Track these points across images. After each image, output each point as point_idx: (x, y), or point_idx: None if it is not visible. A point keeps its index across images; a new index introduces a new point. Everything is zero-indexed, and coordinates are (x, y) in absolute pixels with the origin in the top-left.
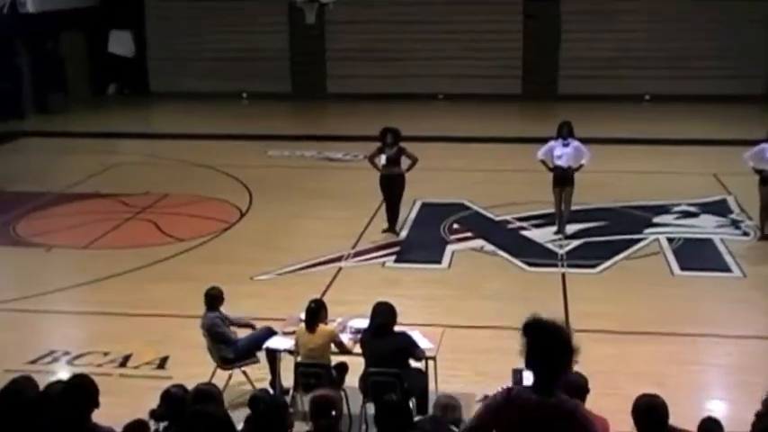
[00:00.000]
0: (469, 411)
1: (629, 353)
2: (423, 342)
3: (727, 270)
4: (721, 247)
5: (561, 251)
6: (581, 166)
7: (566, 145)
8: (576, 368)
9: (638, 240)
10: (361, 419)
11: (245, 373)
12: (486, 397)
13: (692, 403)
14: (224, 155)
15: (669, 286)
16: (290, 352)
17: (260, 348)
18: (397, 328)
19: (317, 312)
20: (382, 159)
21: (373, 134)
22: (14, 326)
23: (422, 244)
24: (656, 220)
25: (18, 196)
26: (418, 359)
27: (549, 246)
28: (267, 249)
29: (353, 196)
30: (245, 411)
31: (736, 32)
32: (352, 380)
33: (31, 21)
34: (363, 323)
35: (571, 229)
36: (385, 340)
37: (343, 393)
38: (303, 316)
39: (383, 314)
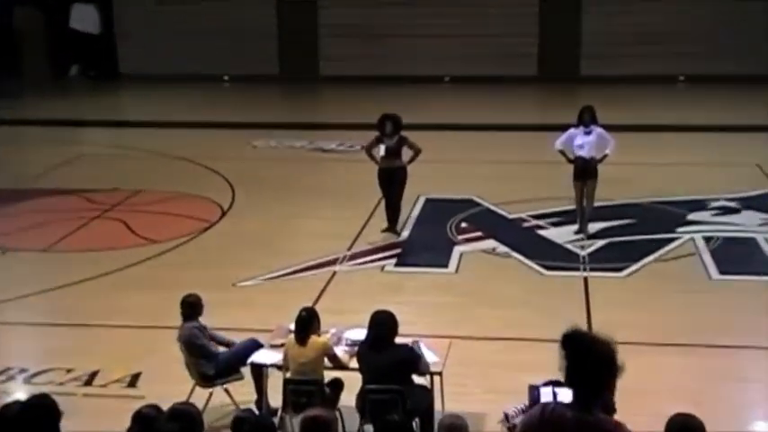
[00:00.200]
0: None
1: (660, 367)
2: (427, 355)
3: None
4: (766, 248)
5: (583, 253)
6: (605, 156)
7: (588, 133)
8: None
9: (671, 240)
10: None
11: (227, 391)
12: (506, 417)
13: (731, 424)
14: (203, 146)
15: (706, 292)
16: (278, 367)
17: (244, 363)
18: (398, 340)
19: (308, 322)
20: (381, 150)
21: (371, 122)
22: None
23: (426, 245)
24: (691, 217)
25: None
26: (422, 374)
27: (570, 247)
28: (252, 252)
29: (349, 192)
30: None
31: None
32: (348, 398)
33: None
34: (361, 334)
35: (594, 227)
36: (385, 353)
37: (338, 413)
38: (293, 326)
39: (383, 324)
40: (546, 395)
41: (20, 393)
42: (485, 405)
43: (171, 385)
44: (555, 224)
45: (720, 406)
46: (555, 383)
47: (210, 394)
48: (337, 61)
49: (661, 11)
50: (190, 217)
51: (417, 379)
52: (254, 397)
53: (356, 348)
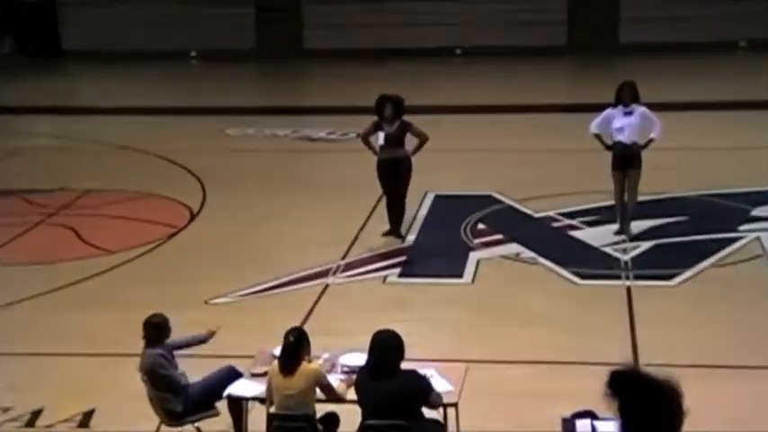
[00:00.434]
0: None
1: (717, 393)
2: (439, 383)
3: None
4: None
5: (625, 257)
6: (650, 141)
7: (628, 113)
8: None
9: (731, 241)
10: None
11: (198, 429)
12: None
13: None
14: (167, 136)
15: None
16: (260, 400)
17: (220, 396)
18: (404, 366)
19: (297, 347)
20: (380, 139)
21: (368, 105)
22: None
23: (436, 251)
24: (756, 212)
25: None
26: (434, 406)
27: (609, 250)
28: (227, 262)
29: (342, 189)
30: None
31: None
32: None
33: None
34: (359, 359)
35: (637, 227)
36: (388, 382)
37: None
38: (277, 352)
39: (386, 347)
40: (583, 428)
41: None
42: None
43: (130, 425)
44: (590, 223)
45: None
46: (592, 415)
47: None
48: (326, 32)
49: None
50: (152, 222)
51: (428, 412)
52: None
53: (354, 376)
